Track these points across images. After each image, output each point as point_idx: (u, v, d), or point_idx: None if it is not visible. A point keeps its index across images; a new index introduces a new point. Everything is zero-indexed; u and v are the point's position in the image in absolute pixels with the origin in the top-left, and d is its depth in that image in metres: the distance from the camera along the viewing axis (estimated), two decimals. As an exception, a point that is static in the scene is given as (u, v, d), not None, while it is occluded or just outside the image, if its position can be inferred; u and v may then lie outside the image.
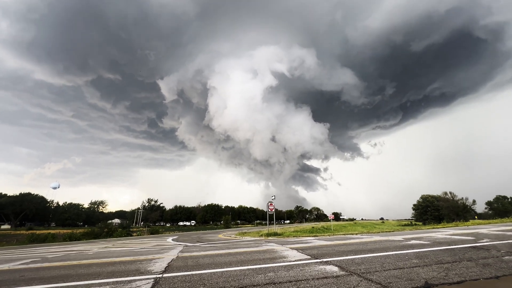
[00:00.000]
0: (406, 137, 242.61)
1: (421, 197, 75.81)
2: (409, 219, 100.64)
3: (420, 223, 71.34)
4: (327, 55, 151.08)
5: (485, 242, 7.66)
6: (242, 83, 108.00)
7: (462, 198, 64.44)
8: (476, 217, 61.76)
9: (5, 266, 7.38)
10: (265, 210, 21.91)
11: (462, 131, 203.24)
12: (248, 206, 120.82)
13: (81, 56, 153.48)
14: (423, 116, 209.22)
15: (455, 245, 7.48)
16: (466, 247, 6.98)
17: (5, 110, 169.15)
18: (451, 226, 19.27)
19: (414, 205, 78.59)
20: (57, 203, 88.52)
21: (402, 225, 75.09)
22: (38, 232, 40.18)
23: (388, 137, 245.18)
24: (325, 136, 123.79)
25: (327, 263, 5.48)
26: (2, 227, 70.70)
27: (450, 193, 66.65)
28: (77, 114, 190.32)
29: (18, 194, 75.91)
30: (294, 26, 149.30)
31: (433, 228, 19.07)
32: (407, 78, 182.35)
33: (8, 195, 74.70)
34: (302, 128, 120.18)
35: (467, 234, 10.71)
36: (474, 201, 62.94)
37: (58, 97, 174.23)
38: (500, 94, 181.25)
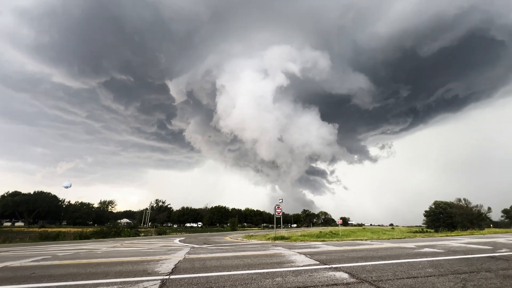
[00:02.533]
0: (416, 142, 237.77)
1: (434, 203, 73.58)
2: (420, 226, 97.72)
3: (432, 230, 69.07)
4: (338, 58, 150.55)
5: (504, 252, 7.30)
6: (251, 82, 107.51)
7: (477, 205, 62.17)
8: (491, 225, 59.38)
9: (17, 263, 7.55)
10: (271, 213, 21.73)
11: (475, 136, 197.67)
12: (255, 209, 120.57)
13: (94, 58, 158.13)
14: (434, 121, 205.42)
15: (471, 254, 7.16)
16: (483, 256, 6.66)
17: (24, 111, 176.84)
18: (466, 234, 18.56)
19: (425, 211, 76.37)
20: (69, 202, 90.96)
21: (413, 232, 72.85)
22: (49, 230, 41.25)
23: (397, 141, 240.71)
24: (333, 136, 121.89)
25: (336, 269, 5.33)
26: (16, 224, 73.02)
27: (464, 199, 64.47)
28: (91, 115, 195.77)
29: (32, 192, 78.37)
30: (305, 29, 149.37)
31: (447, 235, 18.41)
32: (418, 83, 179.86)
33: (22, 193, 77.16)
34: (310, 129, 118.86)
35: (484, 243, 10.26)
36: (489, 209, 60.60)
37: (74, 98, 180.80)
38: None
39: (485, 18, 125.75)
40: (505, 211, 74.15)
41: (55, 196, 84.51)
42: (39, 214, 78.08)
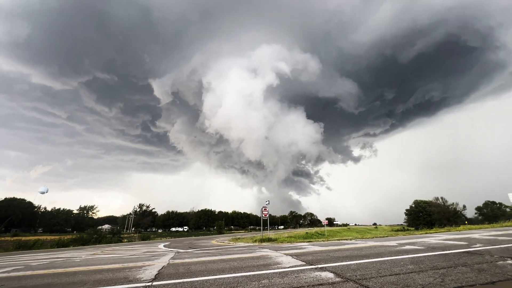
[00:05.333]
0: (396, 144, 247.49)
1: (414, 203, 76.67)
2: (401, 225, 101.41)
3: (413, 228, 71.95)
4: (326, 63, 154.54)
5: (478, 247, 7.69)
6: (240, 81, 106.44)
7: (453, 203, 65.63)
8: (466, 222, 62.62)
9: (-16, 275, 6.99)
10: (258, 215, 21.66)
11: (449, 139, 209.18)
12: (242, 212, 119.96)
13: (76, 56, 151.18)
14: (412, 124, 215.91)
15: (449, 250, 7.48)
16: (460, 252, 6.98)
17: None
18: (444, 231, 19.43)
19: (406, 210, 79.39)
20: (45, 208, 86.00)
21: (395, 230, 75.55)
22: (23, 238, 38.71)
23: (378, 143, 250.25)
24: (319, 135, 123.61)
25: (322, 269, 5.37)
26: (-14, 233, 67.99)
27: (442, 198, 67.80)
28: (72, 116, 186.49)
29: (3, 199, 73.37)
30: (294, 32, 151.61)
31: (426, 233, 19.17)
32: (398, 88, 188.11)
33: (-8, 200, 72.10)
34: (296, 127, 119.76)
35: (460, 239, 10.77)
36: (464, 207, 64.14)
37: (54, 99, 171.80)
38: (485, 104, 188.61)
39: (460, 25, 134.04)
40: (478, 209, 78.43)
41: (30, 203, 79.54)
42: (11, 222, 73.13)
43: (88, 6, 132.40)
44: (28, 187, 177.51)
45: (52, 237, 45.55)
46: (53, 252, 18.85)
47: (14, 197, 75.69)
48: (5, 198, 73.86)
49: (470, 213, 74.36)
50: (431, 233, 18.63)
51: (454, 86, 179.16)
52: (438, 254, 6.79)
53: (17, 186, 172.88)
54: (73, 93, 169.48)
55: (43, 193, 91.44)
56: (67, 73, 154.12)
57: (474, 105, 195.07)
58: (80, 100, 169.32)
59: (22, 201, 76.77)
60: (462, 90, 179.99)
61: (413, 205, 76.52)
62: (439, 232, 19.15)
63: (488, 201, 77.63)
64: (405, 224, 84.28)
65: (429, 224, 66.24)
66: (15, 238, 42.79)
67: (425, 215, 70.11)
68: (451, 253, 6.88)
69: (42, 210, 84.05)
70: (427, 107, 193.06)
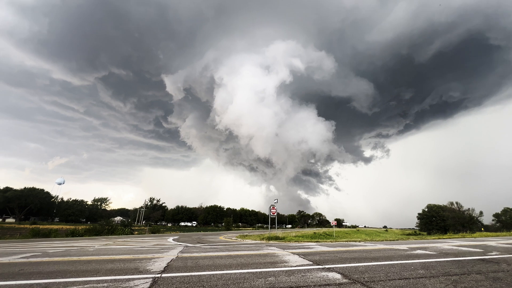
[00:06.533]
0: (409, 146, 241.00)
1: (427, 207, 74.54)
2: (413, 229, 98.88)
3: (425, 233, 69.95)
4: (341, 62, 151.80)
5: (494, 255, 7.40)
6: (251, 77, 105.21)
7: (469, 209, 63.34)
8: (482, 229, 60.33)
9: (5, 259, 7.40)
10: (266, 213, 21.70)
11: (465, 142, 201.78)
12: (250, 209, 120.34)
13: (94, 52, 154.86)
14: (426, 126, 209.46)
15: (462, 256, 7.24)
16: (474, 259, 6.74)
17: (21, 106, 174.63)
18: (458, 237, 18.81)
19: (419, 214, 77.34)
20: (61, 198, 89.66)
21: (406, 234, 73.61)
22: (41, 226, 40.58)
23: (391, 145, 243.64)
24: (330, 133, 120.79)
25: (329, 269, 5.33)
26: (7, 220, 71.75)
27: (457, 203, 65.56)
28: (88, 111, 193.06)
29: (23, 188, 77.05)
30: (309, 29, 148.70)
31: (439, 238, 18.61)
32: (413, 88, 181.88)
33: (14, 189, 75.84)
34: (306, 124, 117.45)
35: (475, 246, 10.39)
36: (481, 213, 61.78)
37: (72, 94, 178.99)
38: (507, 107, 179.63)
39: (482, 22, 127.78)
40: (496, 215, 75.36)
41: (47, 193, 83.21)
42: (30, 211, 76.76)
43: (107, 2, 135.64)
44: (45, 177, 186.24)
45: (68, 227, 47.53)
46: (68, 241, 19.66)
47: (33, 187, 79.34)
48: (25, 188, 77.50)
49: (487, 219, 71.62)
50: (444, 238, 18.07)
51: (474, 87, 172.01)
52: (451, 260, 6.58)
53: (34, 176, 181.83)
54: (90, 88, 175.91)
55: (60, 184, 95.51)
56: (85, 69, 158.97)
57: (495, 108, 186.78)
58: (96, 95, 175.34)
59: (41, 191, 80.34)
60: (483, 92, 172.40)
61: (426, 209, 74.39)
62: (453, 238, 18.55)
63: (508, 208, 74.41)
64: (417, 228, 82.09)
65: (443, 229, 64.25)
66: (33, 226, 44.90)
67: (439, 220, 68.02)
68: (465, 259, 6.66)
69: (58, 201, 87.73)
70: (443, 109, 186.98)
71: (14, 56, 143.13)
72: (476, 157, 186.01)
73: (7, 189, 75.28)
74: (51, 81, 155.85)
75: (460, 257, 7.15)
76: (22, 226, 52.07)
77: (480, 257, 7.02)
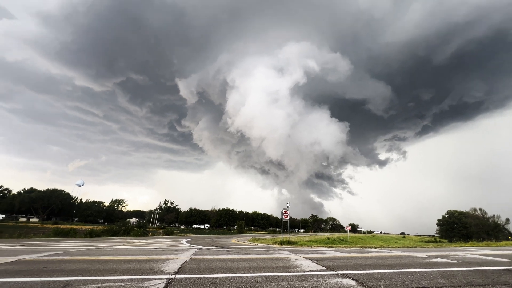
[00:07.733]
0: (427, 149, 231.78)
1: (447, 213, 71.11)
2: (432, 235, 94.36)
3: (446, 240, 66.57)
4: (355, 64, 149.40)
5: (522, 266, 6.95)
6: (264, 79, 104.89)
7: (494, 216, 59.74)
8: (510, 237, 56.65)
9: (30, 257, 7.81)
10: (278, 217, 21.56)
11: (487, 145, 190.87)
12: (262, 213, 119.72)
13: (112, 57, 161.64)
14: (445, 129, 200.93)
15: (487, 266, 6.85)
16: (499, 269, 6.36)
17: (46, 112, 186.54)
18: (482, 246, 17.80)
19: (439, 220, 73.89)
20: (81, 200, 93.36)
21: (425, 242, 70.44)
22: (62, 226, 42.41)
23: (408, 148, 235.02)
24: (344, 135, 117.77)
25: (343, 276, 5.22)
26: (31, 220, 75.50)
27: (480, 209, 62.10)
28: (107, 115, 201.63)
29: (46, 189, 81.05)
30: (323, 31, 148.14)
31: (461, 246, 17.68)
32: (431, 90, 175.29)
33: (38, 190, 79.96)
34: (319, 126, 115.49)
35: (501, 255, 9.80)
36: (507, 220, 58.05)
37: (92, 99, 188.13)
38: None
39: (507, 18, 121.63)
40: (524, 223, 70.48)
41: (68, 194, 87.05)
42: (52, 211, 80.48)
43: (126, 10, 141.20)
44: (66, 179, 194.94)
45: (86, 227, 49.35)
46: (87, 241, 20.42)
47: (55, 188, 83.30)
48: (48, 189, 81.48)
49: (515, 227, 66.90)
50: (466, 246, 17.15)
51: (497, 88, 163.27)
52: (474, 269, 6.25)
53: (55, 178, 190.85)
54: (109, 94, 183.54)
55: (79, 185, 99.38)
56: (104, 74, 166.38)
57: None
58: (115, 99, 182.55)
59: (62, 192, 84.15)
60: (506, 93, 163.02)
61: (446, 215, 70.95)
62: (476, 246, 17.58)
63: (537, 215, 69.37)
64: (437, 235, 78.23)
65: (465, 237, 60.89)
66: (55, 225, 47.03)
67: (461, 227, 64.62)
68: (489, 269, 6.30)
69: (78, 202, 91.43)
70: (463, 111, 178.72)
71: (41, 64, 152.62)
72: (499, 162, 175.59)
73: (32, 190, 79.47)
74: (74, 87, 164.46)
75: (484, 266, 6.78)
76: (45, 225, 54.65)
77: (507, 267, 6.62)
